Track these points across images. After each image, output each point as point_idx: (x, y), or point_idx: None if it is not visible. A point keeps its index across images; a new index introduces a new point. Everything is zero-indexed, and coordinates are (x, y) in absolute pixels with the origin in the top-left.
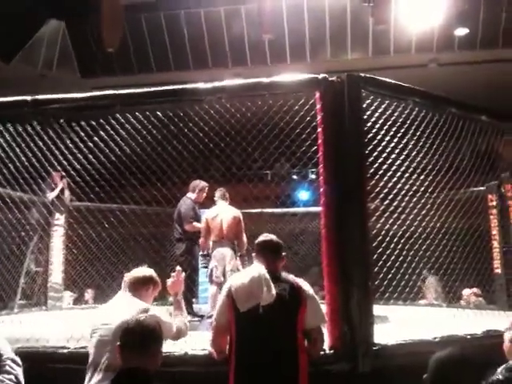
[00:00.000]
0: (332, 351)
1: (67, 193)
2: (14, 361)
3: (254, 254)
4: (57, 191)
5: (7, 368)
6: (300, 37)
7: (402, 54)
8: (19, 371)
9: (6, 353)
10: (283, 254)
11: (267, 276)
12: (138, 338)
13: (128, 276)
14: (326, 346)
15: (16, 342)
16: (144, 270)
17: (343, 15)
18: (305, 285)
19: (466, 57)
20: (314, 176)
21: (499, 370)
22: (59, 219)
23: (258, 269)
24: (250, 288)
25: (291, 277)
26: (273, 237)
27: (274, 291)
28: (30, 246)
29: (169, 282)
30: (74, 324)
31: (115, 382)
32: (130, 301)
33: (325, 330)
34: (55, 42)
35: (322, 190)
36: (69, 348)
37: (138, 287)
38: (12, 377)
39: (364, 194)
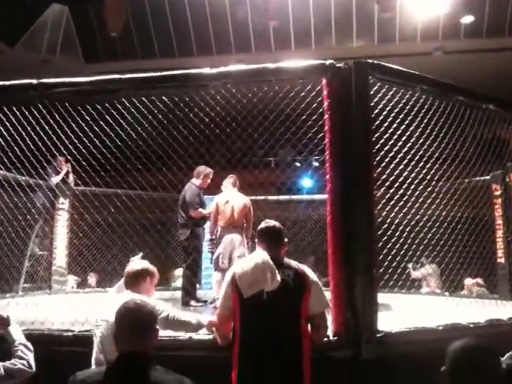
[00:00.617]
0: (335, 338)
1: (72, 177)
2: (26, 346)
3: (256, 240)
4: (61, 175)
5: (20, 353)
6: (305, 24)
7: (407, 41)
8: (31, 356)
9: (18, 338)
10: (285, 239)
11: (271, 262)
12: (132, 322)
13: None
14: (330, 332)
15: (22, 324)
16: (136, 264)
17: (348, 2)
18: (308, 271)
19: (471, 45)
20: (317, 164)
21: (503, 358)
22: (64, 203)
23: (261, 255)
24: (253, 274)
25: (294, 263)
26: (275, 223)
27: (278, 277)
28: (34, 230)
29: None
30: (79, 307)
31: (113, 368)
32: (130, 296)
33: (329, 317)
34: (59, 27)
35: (327, 176)
36: (74, 331)
37: (134, 282)
38: (24, 362)
39: (370, 182)
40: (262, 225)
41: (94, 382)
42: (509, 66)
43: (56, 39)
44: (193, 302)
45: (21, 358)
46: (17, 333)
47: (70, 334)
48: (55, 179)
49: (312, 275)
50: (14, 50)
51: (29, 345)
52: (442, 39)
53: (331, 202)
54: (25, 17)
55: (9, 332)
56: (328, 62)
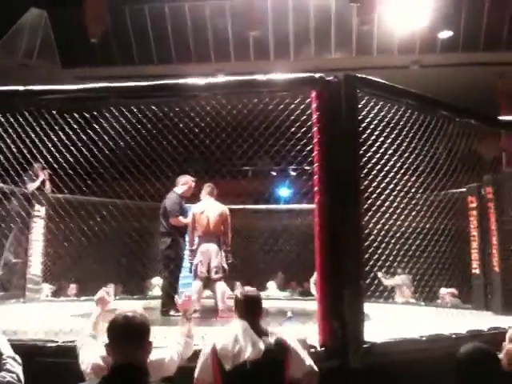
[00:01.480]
0: (323, 348)
1: (48, 184)
2: (14, 359)
3: (233, 309)
4: (38, 182)
5: (8, 366)
6: (284, 34)
7: (384, 54)
8: (19, 369)
9: (6, 352)
10: (262, 305)
11: (251, 331)
12: (125, 334)
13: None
14: (317, 343)
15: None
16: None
17: (328, 14)
18: (288, 336)
19: (447, 59)
20: (294, 173)
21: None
22: (40, 211)
23: (241, 325)
24: (235, 346)
25: (274, 330)
26: (252, 292)
27: (261, 345)
28: (9, 238)
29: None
30: (56, 317)
31: (108, 379)
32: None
33: (316, 328)
34: (36, 31)
35: (316, 188)
36: (57, 342)
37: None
38: (14, 375)
39: (358, 194)
40: (240, 295)
41: None
42: (483, 80)
43: (34, 43)
44: (172, 312)
45: (9, 371)
46: (4, 346)
47: (53, 344)
48: (31, 186)
49: (292, 340)
50: None
51: (17, 357)
52: (419, 53)
53: (319, 213)
54: (2, 20)
55: None
56: (318, 75)
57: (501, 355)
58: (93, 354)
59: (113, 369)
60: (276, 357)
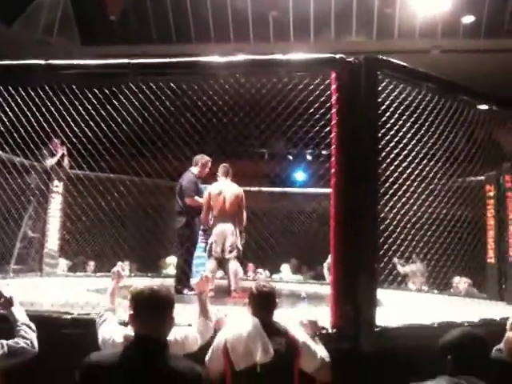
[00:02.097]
0: (334, 330)
1: (67, 160)
2: (29, 326)
3: (247, 301)
4: (56, 158)
5: (22, 333)
6: (305, 15)
7: (405, 38)
8: (34, 336)
9: (21, 319)
10: (277, 300)
11: (262, 332)
12: (151, 305)
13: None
14: (329, 324)
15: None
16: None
17: None
18: (298, 334)
19: (469, 45)
20: (310, 157)
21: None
22: (58, 186)
23: (252, 323)
24: (245, 346)
25: (284, 327)
26: (268, 286)
27: (271, 350)
28: (28, 212)
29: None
30: (71, 291)
31: (129, 349)
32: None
33: (328, 311)
34: (56, 8)
35: (332, 170)
36: (72, 314)
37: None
38: (28, 341)
39: (375, 177)
40: (255, 289)
41: (109, 363)
42: (505, 67)
43: (53, 20)
44: (185, 290)
45: (24, 337)
46: (20, 313)
47: (68, 316)
48: (50, 162)
49: (301, 337)
50: (10, 30)
51: (32, 325)
52: (441, 37)
53: (335, 196)
54: None
55: (12, 312)
56: (338, 55)
57: (501, 344)
58: (114, 330)
59: (135, 339)
60: (286, 357)
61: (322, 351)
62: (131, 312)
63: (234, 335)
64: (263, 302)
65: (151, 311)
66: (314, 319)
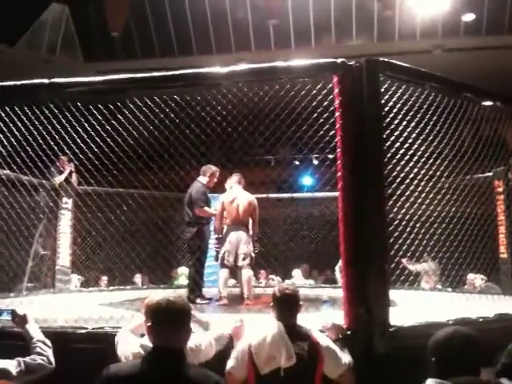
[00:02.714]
0: (348, 332)
1: (75, 176)
2: (44, 343)
3: (271, 305)
4: (65, 175)
5: (38, 350)
6: (305, 22)
7: (406, 39)
8: (50, 352)
9: (36, 335)
10: (300, 303)
11: (286, 336)
12: (169, 316)
13: None
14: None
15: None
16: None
17: (348, 0)
18: (322, 338)
19: (471, 43)
20: (317, 162)
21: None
22: (67, 203)
23: (276, 327)
24: (269, 350)
25: (308, 331)
26: (291, 288)
27: (293, 355)
28: (38, 230)
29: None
30: (84, 306)
31: (147, 360)
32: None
33: (342, 313)
34: (59, 27)
35: (339, 174)
36: (87, 328)
37: None
38: (44, 358)
39: (382, 178)
40: (278, 292)
41: (127, 375)
42: (508, 64)
43: (56, 39)
44: (198, 300)
45: (40, 354)
46: (35, 330)
47: (83, 331)
48: (58, 179)
49: (325, 342)
50: (14, 50)
51: (47, 341)
52: (442, 37)
53: (343, 199)
54: (25, 16)
55: (26, 329)
56: (339, 60)
57: None
58: (129, 342)
59: (153, 350)
60: (308, 362)
61: (346, 357)
62: (149, 323)
63: (259, 340)
64: (286, 305)
65: (169, 322)
66: (339, 324)
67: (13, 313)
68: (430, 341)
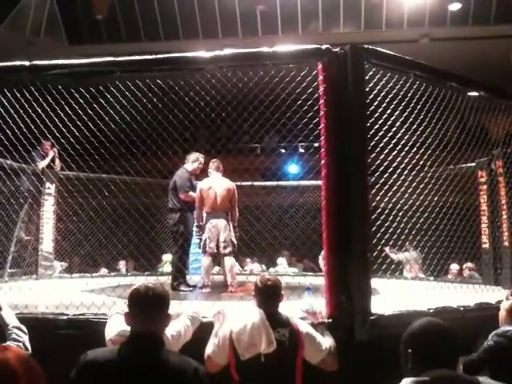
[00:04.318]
0: (330, 320)
1: (58, 162)
2: (20, 329)
3: (252, 293)
4: (47, 160)
5: (14, 336)
6: (292, 9)
7: (394, 28)
8: (26, 339)
9: (11, 322)
10: (282, 292)
11: (266, 323)
12: (147, 303)
13: None
14: (325, 314)
15: (15, 308)
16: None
17: None
18: (302, 325)
19: (457, 32)
20: (302, 150)
21: (490, 336)
22: (50, 188)
23: (257, 314)
24: (250, 336)
25: (288, 318)
26: (273, 279)
27: (274, 341)
28: (20, 215)
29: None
30: (66, 292)
31: (125, 345)
32: None
33: (323, 301)
34: (43, 9)
35: (322, 162)
36: (68, 314)
37: None
38: (20, 344)
39: (365, 167)
40: (260, 281)
41: (105, 360)
42: (493, 53)
43: (40, 21)
44: (182, 287)
45: (16, 340)
46: (9, 316)
47: (64, 317)
48: (41, 164)
49: (305, 329)
50: None
51: (23, 327)
52: (429, 26)
53: (326, 187)
54: None
55: (1, 316)
56: (324, 46)
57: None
58: (113, 327)
59: (131, 337)
60: (289, 349)
61: (327, 342)
62: (127, 310)
63: (240, 326)
64: (268, 295)
65: (146, 308)
66: (319, 310)
67: None
68: (405, 333)
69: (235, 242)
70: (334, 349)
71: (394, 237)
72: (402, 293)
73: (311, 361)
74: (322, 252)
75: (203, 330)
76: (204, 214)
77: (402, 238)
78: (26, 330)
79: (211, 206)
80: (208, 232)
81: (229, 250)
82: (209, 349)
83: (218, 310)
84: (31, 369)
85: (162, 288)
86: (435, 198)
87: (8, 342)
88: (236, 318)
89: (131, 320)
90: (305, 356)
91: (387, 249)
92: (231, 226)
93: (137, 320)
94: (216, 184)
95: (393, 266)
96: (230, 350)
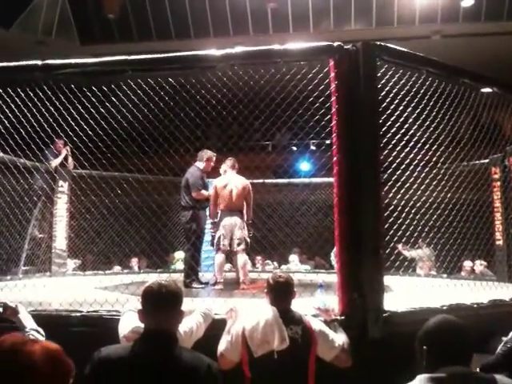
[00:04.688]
0: (342, 317)
1: (71, 160)
2: (37, 331)
3: (265, 291)
4: (60, 158)
5: (31, 338)
6: (303, 6)
7: (405, 24)
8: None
9: (29, 325)
10: (294, 290)
11: (279, 320)
12: (160, 300)
13: None
14: (337, 311)
15: (29, 305)
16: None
17: None
18: (315, 323)
19: (470, 29)
20: (314, 147)
21: (500, 345)
22: (63, 186)
23: (270, 311)
24: (263, 333)
25: (301, 316)
26: (285, 276)
27: (287, 338)
28: (34, 213)
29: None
30: (80, 289)
31: (138, 342)
32: None
33: (336, 298)
34: (54, 8)
35: (334, 159)
36: (82, 312)
37: None
38: None
39: (378, 164)
40: (272, 278)
41: (119, 357)
42: (507, 50)
43: (52, 21)
44: (194, 284)
45: None
46: (27, 320)
47: (78, 314)
48: (54, 162)
49: (318, 326)
50: (9, 32)
51: (40, 330)
52: (441, 22)
53: (338, 184)
54: None
55: (19, 319)
56: (336, 43)
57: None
58: (127, 324)
59: (145, 334)
60: (301, 346)
61: (340, 338)
62: (140, 307)
63: (252, 323)
64: (280, 292)
65: (160, 305)
66: (331, 307)
67: (4, 306)
68: (420, 330)
69: (248, 240)
70: (347, 345)
71: (407, 234)
72: (415, 290)
73: (325, 358)
74: (334, 249)
75: (215, 327)
76: (219, 212)
77: (415, 235)
78: (43, 333)
79: (226, 204)
80: (222, 229)
81: (242, 247)
82: (222, 346)
83: (230, 306)
84: (57, 363)
85: (175, 285)
86: (448, 195)
87: None
88: (249, 315)
89: (144, 317)
90: (318, 353)
91: (400, 246)
92: (245, 223)
93: (150, 317)
94: (232, 182)
95: (405, 263)
96: (242, 347)
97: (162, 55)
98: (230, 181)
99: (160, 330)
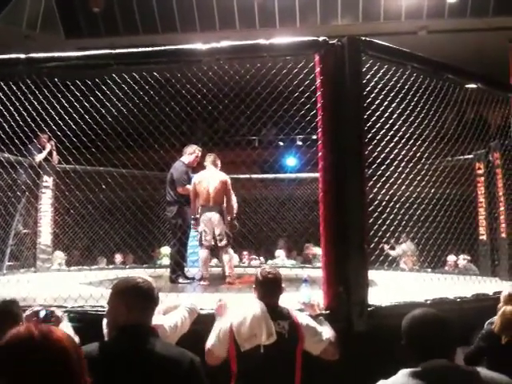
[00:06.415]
0: (327, 311)
1: (55, 154)
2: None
3: (253, 286)
4: (44, 153)
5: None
6: (290, 1)
7: (392, 20)
8: None
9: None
10: (283, 285)
11: (267, 315)
12: (133, 296)
13: None
14: (322, 305)
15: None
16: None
17: None
18: (302, 317)
19: (455, 24)
20: (300, 142)
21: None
22: (47, 181)
23: (258, 306)
24: (250, 328)
25: (289, 311)
26: (274, 272)
27: (274, 333)
28: (18, 208)
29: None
30: (64, 285)
31: (117, 340)
32: None
33: (321, 292)
34: (39, 2)
35: (320, 154)
36: (66, 307)
37: None
38: None
39: (362, 159)
40: (260, 274)
41: (98, 354)
42: (492, 46)
43: (36, 15)
44: (180, 279)
45: None
46: (67, 330)
47: (62, 309)
48: (38, 157)
49: (306, 321)
50: None
51: (77, 339)
52: (427, 18)
53: (323, 179)
54: None
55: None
56: (321, 38)
57: (495, 317)
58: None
59: (121, 329)
60: (288, 341)
61: (327, 332)
62: (109, 302)
63: (240, 318)
64: (268, 288)
65: (133, 301)
66: (317, 302)
67: (51, 313)
68: (403, 324)
69: (230, 234)
70: (334, 338)
71: (392, 229)
72: (400, 284)
73: (312, 352)
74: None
75: (201, 322)
76: (199, 207)
77: (399, 229)
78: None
79: (204, 199)
80: (203, 225)
81: (224, 242)
82: (209, 341)
83: (219, 299)
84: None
85: (147, 281)
86: (432, 190)
87: None
88: (237, 310)
89: (116, 314)
90: (306, 347)
91: (386, 246)
92: (225, 219)
93: (123, 314)
94: (209, 177)
95: (390, 257)
96: (230, 342)
97: (147, 49)
98: (206, 176)
99: (136, 326)
